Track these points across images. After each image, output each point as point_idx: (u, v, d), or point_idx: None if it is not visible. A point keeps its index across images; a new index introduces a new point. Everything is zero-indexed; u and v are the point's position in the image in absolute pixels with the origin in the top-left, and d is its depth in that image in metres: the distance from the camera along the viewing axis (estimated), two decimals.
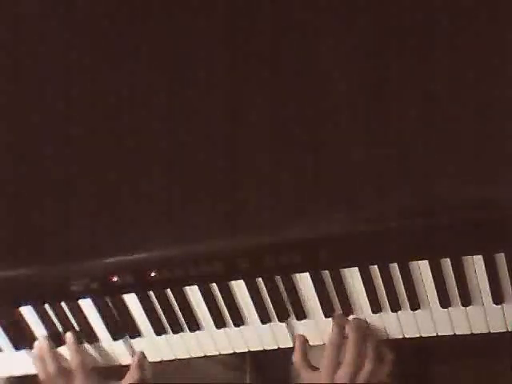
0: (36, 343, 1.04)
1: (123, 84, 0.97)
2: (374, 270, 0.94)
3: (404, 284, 0.94)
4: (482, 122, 0.88)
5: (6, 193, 0.99)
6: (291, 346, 1.01)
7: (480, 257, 0.91)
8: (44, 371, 1.03)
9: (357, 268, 0.94)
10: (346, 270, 0.95)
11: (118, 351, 1.04)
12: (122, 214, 0.96)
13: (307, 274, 0.95)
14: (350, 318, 0.97)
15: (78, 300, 1.00)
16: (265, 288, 0.97)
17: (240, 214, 0.92)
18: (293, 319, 0.99)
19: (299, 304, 0.98)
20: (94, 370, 1.04)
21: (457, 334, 0.97)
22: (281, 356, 1.08)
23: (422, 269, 0.93)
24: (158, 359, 1.04)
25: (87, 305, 1.01)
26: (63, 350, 1.04)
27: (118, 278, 0.96)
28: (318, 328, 0.99)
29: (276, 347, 1.02)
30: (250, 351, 1.03)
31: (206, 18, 0.95)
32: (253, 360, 1.17)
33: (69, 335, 1.03)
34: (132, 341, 1.03)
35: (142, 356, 1.04)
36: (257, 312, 0.99)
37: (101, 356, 1.05)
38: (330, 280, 0.96)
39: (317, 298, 0.97)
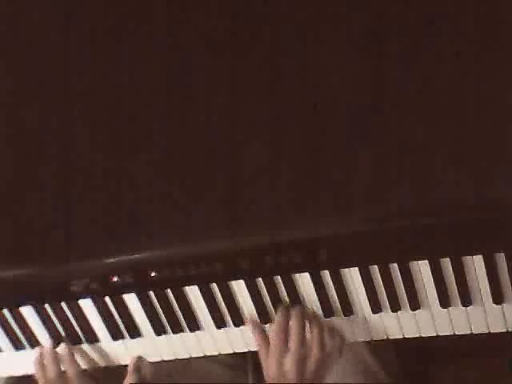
0: (38, 348, 1.03)
1: (124, 84, 0.97)
2: (374, 269, 0.94)
3: (404, 284, 0.94)
4: (482, 121, 0.88)
5: (6, 193, 1.00)
6: None
7: (480, 257, 0.91)
8: (43, 376, 1.03)
9: (357, 268, 0.94)
10: (346, 270, 0.95)
11: (118, 351, 1.05)
12: (121, 214, 0.96)
13: (307, 273, 0.96)
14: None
15: (77, 300, 1.00)
16: (265, 288, 0.97)
17: (240, 214, 0.92)
18: None
19: (299, 304, 0.98)
20: (90, 378, 1.04)
21: (457, 333, 0.97)
22: None
23: (422, 269, 0.93)
24: (158, 359, 1.04)
25: (87, 305, 1.01)
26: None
27: (118, 278, 0.96)
28: None
29: None
30: (251, 351, 1.02)
31: (206, 18, 0.96)
32: (255, 360, 1.17)
33: (63, 347, 1.02)
34: (132, 341, 1.03)
35: (139, 360, 1.04)
36: (256, 312, 0.99)
37: (101, 356, 1.05)
38: (330, 280, 0.96)
39: (317, 298, 0.97)
